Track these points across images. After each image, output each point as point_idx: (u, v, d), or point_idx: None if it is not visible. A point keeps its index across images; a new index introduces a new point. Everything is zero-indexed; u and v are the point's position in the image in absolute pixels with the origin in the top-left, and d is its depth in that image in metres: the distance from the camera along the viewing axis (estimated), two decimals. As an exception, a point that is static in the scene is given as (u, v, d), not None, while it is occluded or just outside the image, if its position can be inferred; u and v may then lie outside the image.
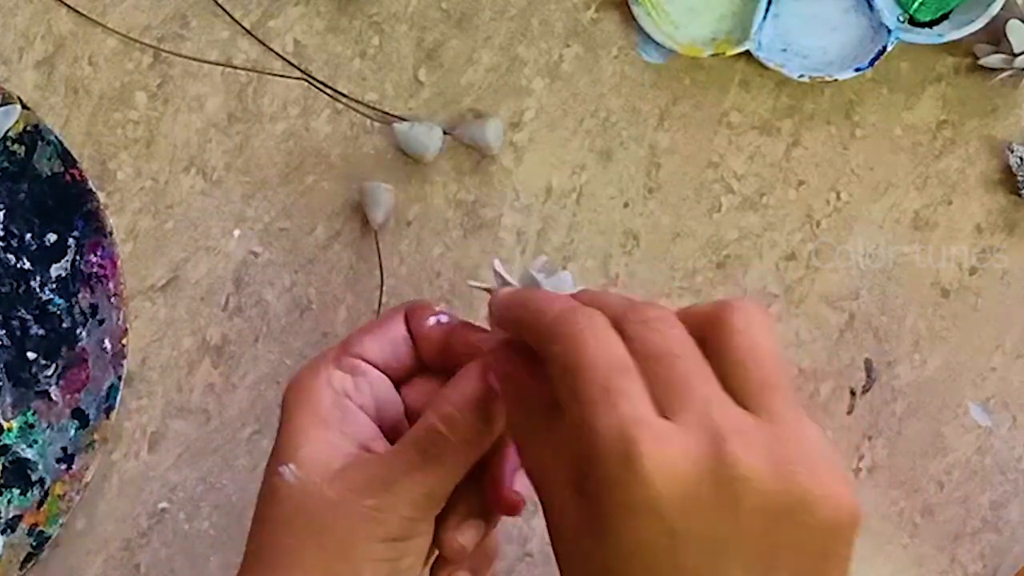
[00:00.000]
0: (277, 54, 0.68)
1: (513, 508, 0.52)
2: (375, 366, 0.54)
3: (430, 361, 0.55)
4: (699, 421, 0.41)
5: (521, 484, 0.52)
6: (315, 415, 0.51)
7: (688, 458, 0.40)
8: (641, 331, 0.44)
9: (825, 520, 0.41)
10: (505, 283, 0.51)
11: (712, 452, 0.40)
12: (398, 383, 0.55)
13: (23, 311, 0.65)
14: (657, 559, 0.40)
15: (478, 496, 0.53)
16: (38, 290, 0.65)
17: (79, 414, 0.65)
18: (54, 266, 0.65)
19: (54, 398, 0.65)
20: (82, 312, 0.65)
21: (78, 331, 0.65)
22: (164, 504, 0.66)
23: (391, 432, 0.53)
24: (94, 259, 0.65)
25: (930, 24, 0.67)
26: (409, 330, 0.55)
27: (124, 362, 0.65)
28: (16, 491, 0.64)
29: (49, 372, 0.65)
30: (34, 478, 0.64)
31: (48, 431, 0.65)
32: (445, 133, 0.67)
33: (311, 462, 0.50)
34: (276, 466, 0.51)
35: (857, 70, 0.66)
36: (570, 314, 0.45)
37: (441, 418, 0.50)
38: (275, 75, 0.68)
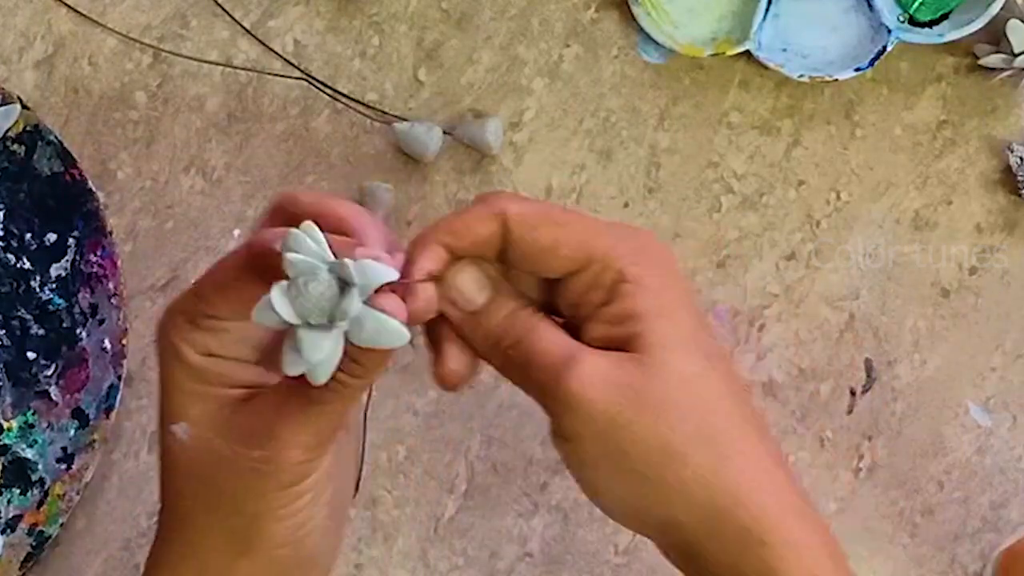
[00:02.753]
0: (277, 54, 0.68)
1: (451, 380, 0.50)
2: (230, 320, 0.50)
3: None
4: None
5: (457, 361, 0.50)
6: (189, 371, 0.49)
7: None
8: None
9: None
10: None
11: None
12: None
13: (23, 311, 0.65)
14: None
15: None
16: (38, 290, 0.65)
17: (79, 414, 0.65)
18: (54, 266, 0.65)
19: (54, 398, 0.65)
20: (82, 312, 0.65)
21: (78, 331, 0.65)
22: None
23: (275, 356, 0.50)
24: (94, 259, 0.65)
25: (930, 24, 0.67)
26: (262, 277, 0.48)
27: (124, 362, 0.65)
28: (16, 491, 0.64)
29: (49, 372, 0.65)
30: (34, 478, 0.64)
31: (48, 431, 0.65)
32: (445, 133, 0.67)
33: (201, 418, 0.49)
34: (165, 424, 0.49)
35: (857, 70, 0.66)
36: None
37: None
38: (275, 75, 0.68)
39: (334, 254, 0.44)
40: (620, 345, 0.47)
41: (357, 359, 0.47)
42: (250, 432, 0.48)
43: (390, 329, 0.44)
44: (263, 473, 0.48)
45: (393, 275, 0.44)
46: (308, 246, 0.44)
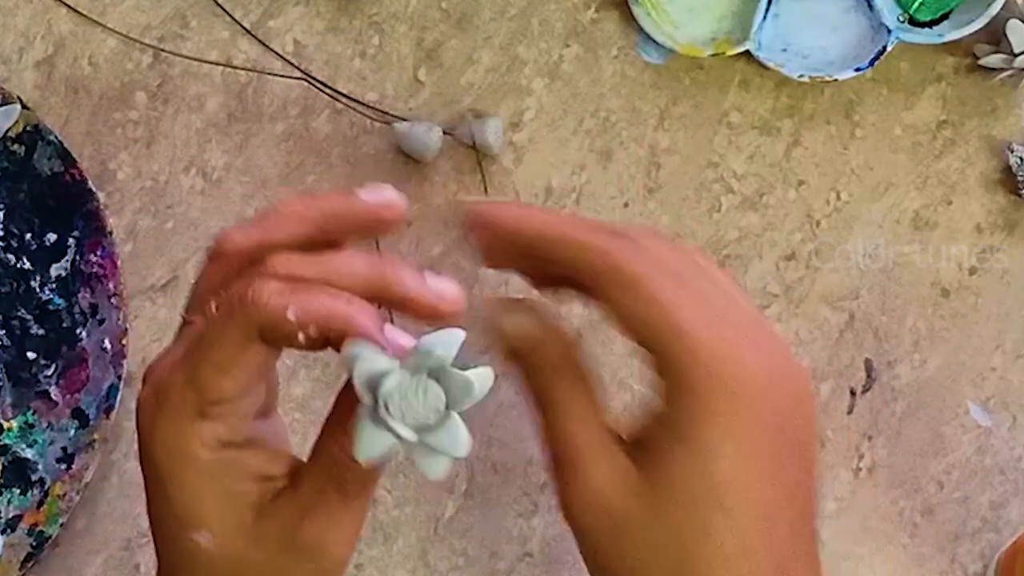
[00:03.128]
0: (277, 54, 0.68)
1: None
2: (238, 400, 0.45)
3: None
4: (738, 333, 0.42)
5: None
6: (200, 475, 0.44)
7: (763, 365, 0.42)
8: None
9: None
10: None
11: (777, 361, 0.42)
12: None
13: (23, 311, 0.65)
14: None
15: None
16: (38, 290, 0.65)
17: (79, 414, 0.65)
18: (54, 266, 0.65)
19: (54, 398, 0.65)
20: (82, 312, 0.65)
21: (78, 331, 0.65)
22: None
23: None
24: (94, 259, 0.65)
25: (930, 24, 0.67)
26: (270, 342, 0.44)
27: (124, 362, 0.65)
28: (16, 491, 0.64)
29: (49, 372, 0.65)
30: (34, 478, 0.64)
31: (48, 431, 0.65)
32: (445, 133, 0.67)
33: (222, 524, 0.44)
34: (181, 532, 0.44)
35: (857, 70, 0.66)
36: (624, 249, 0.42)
37: (347, 450, 0.43)
38: (275, 75, 0.68)
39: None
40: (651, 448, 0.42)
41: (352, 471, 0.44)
42: (292, 541, 0.44)
43: (462, 442, 0.41)
44: (309, 571, 0.44)
45: (460, 336, 0.41)
46: (372, 358, 0.41)
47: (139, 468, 0.67)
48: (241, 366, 0.43)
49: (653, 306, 0.42)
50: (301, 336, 0.42)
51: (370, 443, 0.41)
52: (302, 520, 0.44)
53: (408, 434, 0.41)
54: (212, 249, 0.44)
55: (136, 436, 0.45)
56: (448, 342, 0.41)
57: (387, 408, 0.41)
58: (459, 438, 0.41)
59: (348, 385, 0.43)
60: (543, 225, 0.44)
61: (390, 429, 0.41)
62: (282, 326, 0.42)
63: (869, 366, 0.67)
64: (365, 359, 0.41)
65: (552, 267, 0.45)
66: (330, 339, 0.42)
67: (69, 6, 0.68)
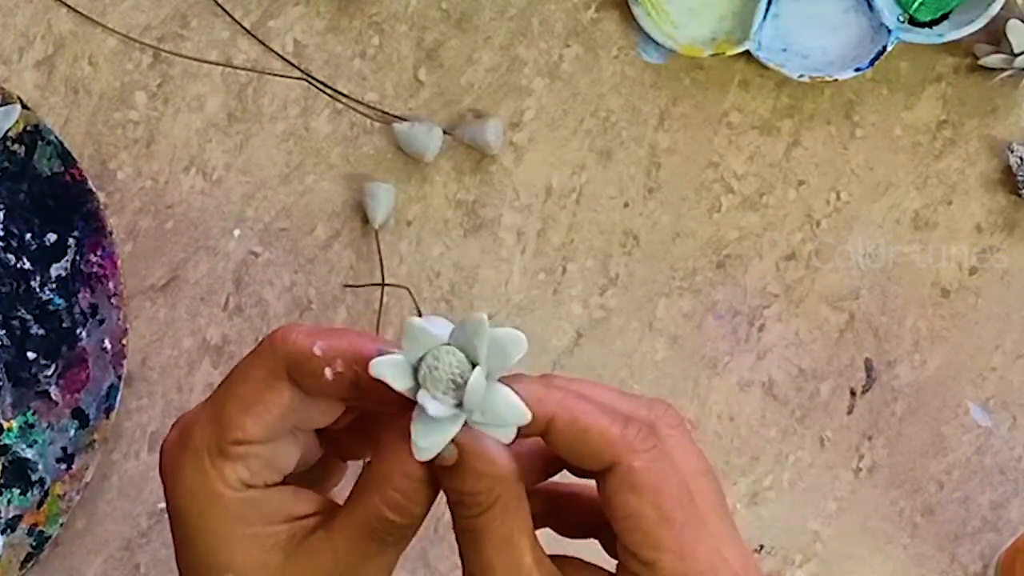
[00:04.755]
0: (277, 54, 0.68)
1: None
2: (261, 443, 0.44)
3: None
4: (736, 556, 0.44)
5: None
6: (225, 516, 0.43)
7: None
8: (679, 444, 0.45)
9: None
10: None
11: None
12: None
13: (23, 311, 0.65)
14: None
15: None
16: (38, 290, 0.65)
17: (79, 414, 0.65)
18: (54, 266, 0.65)
19: (54, 398, 0.65)
20: (82, 312, 0.65)
21: (78, 331, 0.65)
22: (164, 504, 0.66)
23: (311, 453, 0.47)
24: (94, 259, 0.65)
25: (930, 24, 0.67)
26: (297, 382, 0.43)
27: (124, 362, 0.65)
28: (16, 491, 0.64)
29: (49, 372, 0.65)
30: (34, 478, 0.64)
31: (48, 431, 0.65)
32: (445, 133, 0.67)
33: (249, 567, 0.43)
34: (205, 574, 0.44)
35: (857, 70, 0.66)
36: (653, 454, 0.43)
37: (390, 507, 0.43)
38: (275, 75, 0.68)
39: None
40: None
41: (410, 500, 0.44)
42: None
43: (514, 407, 0.42)
44: None
45: (524, 347, 0.42)
46: (427, 328, 0.41)
47: (139, 468, 0.67)
48: (265, 405, 0.43)
49: (649, 520, 0.43)
50: (328, 373, 0.42)
51: (426, 439, 0.41)
52: (335, 566, 0.43)
53: (445, 407, 0.41)
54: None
55: (162, 480, 0.45)
56: (509, 347, 0.42)
57: (428, 388, 0.41)
58: (510, 404, 0.41)
59: (388, 430, 0.43)
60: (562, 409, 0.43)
61: (437, 405, 0.41)
62: (308, 361, 0.42)
63: (869, 366, 0.67)
64: (393, 362, 0.41)
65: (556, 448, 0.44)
66: (359, 381, 0.42)
67: (69, 6, 0.68)
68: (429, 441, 0.41)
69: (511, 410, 0.42)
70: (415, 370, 0.41)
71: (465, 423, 0.42)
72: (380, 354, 0.42)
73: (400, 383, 0.41)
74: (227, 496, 0.43)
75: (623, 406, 0.44)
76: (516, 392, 0.42)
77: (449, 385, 0.41)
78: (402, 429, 0.42)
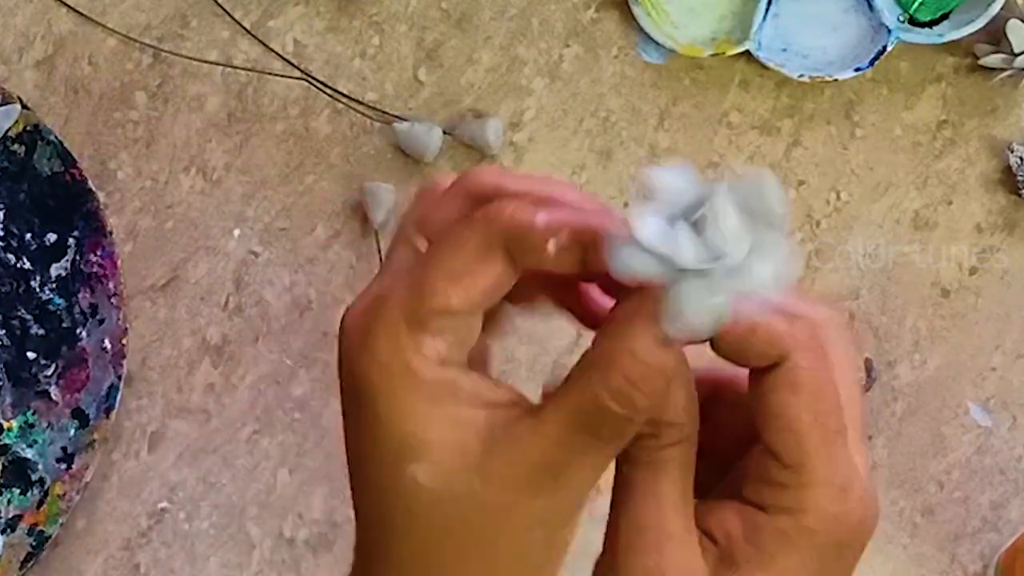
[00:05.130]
0: (277, 54, 0.68)
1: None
2: (466, 315, 0.39)
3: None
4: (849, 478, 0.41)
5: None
6: (420, 392, 0.38)
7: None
8: (843, 353, 0.41)
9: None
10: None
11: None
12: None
13: (23, 311, 0.65)
14: None
15: None
16: (38, 290, 0.65)
17: (79, 414, 0.65)
18: (54, 266, 0.65)
19: (54, 398, 0.65)
20: (82, 312, 0.65)
21: (78, 331, 0.65)
22: (164, 504, 0.66)
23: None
24: (94, 259, 0.65)
25: (930, 24, 0.67)
26: (514, 255, 0.38)
27: (124, 362, 0.65)
28: (16, 491, 0.64)
29: (49, 372, 0.65)
30: (34, 478, 0.64)
31: (48, 431, 0.65)
32: (445, 133, 0.67)
33: (446, 453, 0.38)
34: (396, 466, 0.38)
35: (857, 70, 0.66)
36: (821, 356, 0.39)
37: (611, 393, 0.37)
38: (275, 75, 0.68)
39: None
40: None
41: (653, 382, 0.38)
42: (526, 476, 0.38)
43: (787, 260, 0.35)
44: (549, 523, 0.39)
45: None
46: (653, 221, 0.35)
47: (139, 468, 0.67)
48: (476, 277, 0.38)
49: (803, 423, 0.39)
50: (552, 246, 0.37)
51: (693, 305, 0.35)
52: (540, 459, 0.38)
53: (740, 251, 0.34)
54: (426, 187, 0.40)
55: (340, 359, 0.39)
56: (768, 195, 0.35)
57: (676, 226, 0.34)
58: (785, 250, 0.35)
59: (622, 301, 0.37)
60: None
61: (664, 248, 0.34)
62: (530, 235, 0.37)
63: (869, 366, 0.67)
64: (648, 223, 0.34)
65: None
66: (586, 256, 0.37)
67: (69, 6, 0.68)
68: (696, 305, 0.35)
69: (789, 257, 0.35)
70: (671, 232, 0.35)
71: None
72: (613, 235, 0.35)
73: (649, 268, 0.35)
74: (426, 373, 0.38)
75: (788, 304, 0.39)
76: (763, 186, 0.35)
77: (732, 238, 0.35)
78: (640, 300, 0.37)
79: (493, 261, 0.38)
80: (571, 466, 0.38)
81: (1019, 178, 0.67)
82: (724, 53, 0.66)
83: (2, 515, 0.64)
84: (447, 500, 0.38)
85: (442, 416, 0.38)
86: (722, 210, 0.34)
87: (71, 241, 0.65)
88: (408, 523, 0.39)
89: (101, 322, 0.65)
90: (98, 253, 0.65)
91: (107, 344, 0.65)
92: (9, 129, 0.65)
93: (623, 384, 0.37)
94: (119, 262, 0.65)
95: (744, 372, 0.41)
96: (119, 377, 0.65)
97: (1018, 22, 0.66)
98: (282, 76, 0.68)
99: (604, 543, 0.40)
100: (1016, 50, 0.66)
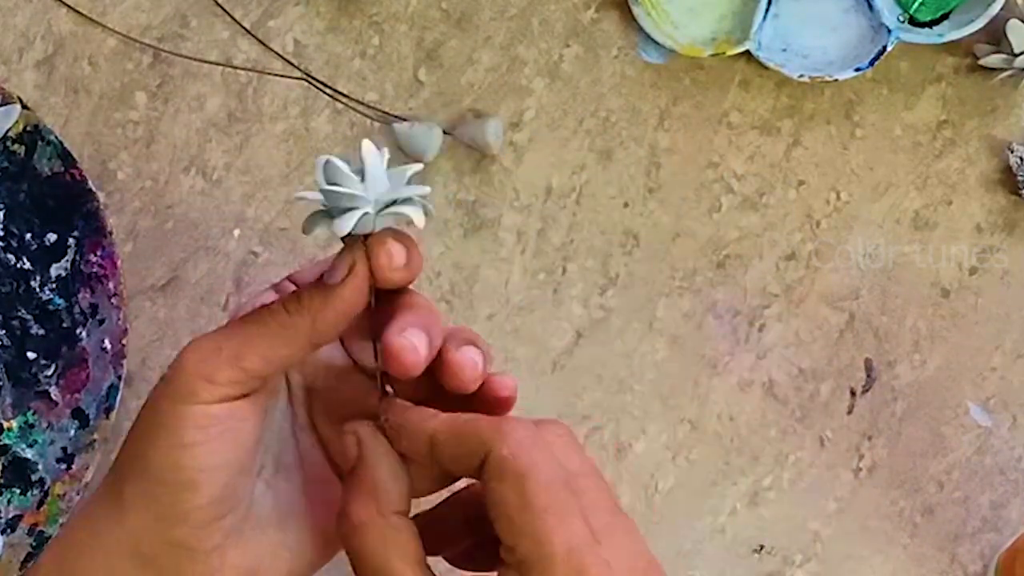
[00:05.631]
0: (277, 54, 0.68)
1: (402, 357, 0.49)
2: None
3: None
4: (619, 549, 0.46)
5: (415, 336, 0.50)
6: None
7: None
8: (563, 447, 0.48)
9: None
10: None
11: None
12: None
13: (23, 311, 0.65)
14: None
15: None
16: (38, 290, 0.65)
17: (79, 414, 0.65)
18: (54, 266, 0.65)
19: (54, 398, 0.65)
20: (82, 312, 0.65)
21: (78, 331, 0.65)
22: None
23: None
24: (94, 259, 0.65)
25: (930, 24, 0.67)
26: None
27: (124, 362, 0.65)
28: (16, 491, 0.64)
29: (49, 372, 0.65)
30: (34, 478, 0.64)
31: (48, 431, 0.65)
32: (445, 133, 0.67)
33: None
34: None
35: (857, 70, 0.66)
36: (523, 442, 0.46)
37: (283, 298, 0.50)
38: (275, 75, 0.68)
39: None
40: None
41: (301, 295, 0.49)
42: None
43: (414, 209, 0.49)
44: (163, 379, 0.49)
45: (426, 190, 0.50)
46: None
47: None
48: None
49: (512, 506, 0.46)
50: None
51: (347, 217, 0.48)
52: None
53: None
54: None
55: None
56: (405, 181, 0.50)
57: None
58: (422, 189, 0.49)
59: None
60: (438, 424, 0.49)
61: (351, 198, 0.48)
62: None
63: (869, 366, 0.67)
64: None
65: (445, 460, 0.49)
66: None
67: (69, 6, 0.68)
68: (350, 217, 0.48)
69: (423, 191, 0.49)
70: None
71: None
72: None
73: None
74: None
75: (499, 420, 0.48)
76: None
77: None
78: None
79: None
80: (202, 337, 0.50)
81: (1019, 178, 0.67)
82: (724, 53, 0.66)
83: (2, 515, 0.64)
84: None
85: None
86: (369, 171, 0.49)
87: (71, 241, 0.65)
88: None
89: (101, 322, 0.65)
90: (98, 253, 0.65)
91: (107, 344, 0.65)
92: (9, 129, 0.65)
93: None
94: (119, 262, 0.65)
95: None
96: (119, 377, 0.65)
97: (1018, 22, 0.66)
98: (282, 76, 0.68)
99: None
100: (1016, 50, 0.66)
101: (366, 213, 0.48)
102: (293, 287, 0.53)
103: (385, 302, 0.50)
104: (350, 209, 0.48)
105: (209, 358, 0.49)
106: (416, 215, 0.49)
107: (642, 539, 0.47)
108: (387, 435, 0.50)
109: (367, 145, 0.49)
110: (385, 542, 0.48)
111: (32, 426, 0.65)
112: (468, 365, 0.49)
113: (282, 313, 0.49)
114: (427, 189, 0.49)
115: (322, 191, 0.49)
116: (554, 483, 0.46)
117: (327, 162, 0.48)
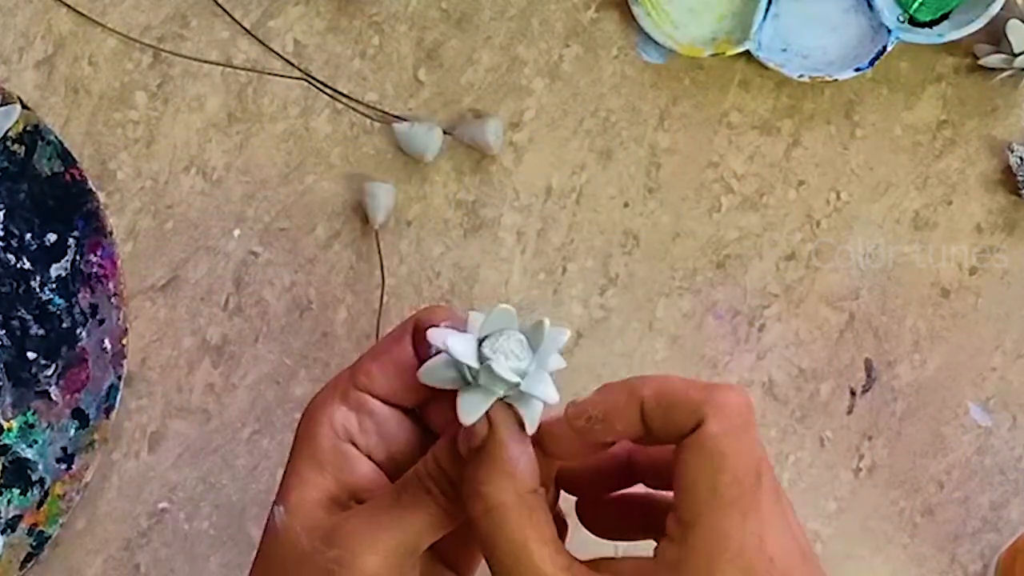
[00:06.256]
0: (277, 54, 0.68)
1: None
2: (384, 399, 0.51)
3: None
4: (780, 539, 0.47)
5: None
6: (313, 457, 0.50)
7: None
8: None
9: None
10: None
11: None
12: (414, 409, 0.52)
13: (23, 311, 0.65)
14: None
15: None
16: (38, 290, 0.65)
17: (79, 414, 0.65)
18: (54, 266, 0.65)
19: (54, 398, 0.65)
20: (82, 312, 0.65)
21: (78, 331, 0.65)
22: (164, 504, 0.66)
23: (401, 472, 0.51)
24: (94, 259, 0.65)
25: (930, 24, 0.67)
26: (418, 352, 0.51)
27: (124, 362, 0.65)
28: (16, 491, 0.64)
29: (49, 372, 0.65)
30: (34, 478, 0.64)
31: (48, 431, 0.65)
32: (445, 133, 0.67)
33: (298, 507, 0.49)
34: (275, 504, 0.50)
35: (857, 70, 0.66)
36: (734, 421, 0.47)
37: (422, 464, 0.48)
38: (275, 75, 0.68)
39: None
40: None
41: (453, 475, 0.48)
42: (332, 530, 0.48)
43: (550, 384, 0.47)
44: (333, 574, 0.47)
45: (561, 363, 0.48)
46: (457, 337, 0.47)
47: (139, 468, 0.67)
48: (391, 357, 0.51)
49: (703, 488, 0.46)
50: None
51: (467, 407, 0.47)
52: (348, 515, 0.48)
53: (510, 376, 0.46)
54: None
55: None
56: (555, 337, 0.48)
57: (489, 362, 0.46)
58: (549, 386, 0.47)
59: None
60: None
61: (496, 378, 0.46)
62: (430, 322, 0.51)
63: (869, 366, 0.67)
64: (453, 339, 0.47)
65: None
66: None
67: (69, 6, 0.68)
68: (469, 407, 0.47)
69: (548, 391, 0.47)
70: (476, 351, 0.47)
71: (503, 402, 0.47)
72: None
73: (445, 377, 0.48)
74: (325, 440, 0.50)
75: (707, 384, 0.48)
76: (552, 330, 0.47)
77: (510, 364, 0.47)
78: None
79: (404, 345, 0.50)
80: (365, 529, 0.47)
81: (1019, 178, 0.67)
82: (724, 53, 0.66)
83: (2, 515, 0.64)
84: (283, 538, 0.48)
85: (315, 483, 0.49)
86: (504, 345, 0.47)
87: (71, 241, 0.65)
88: (261, 547, 0.50)
89: (101, 322, 0.65)
90: (98, 253, 0.65)
91: (107, 344, 0.65)
92: (9, 129, 0.65)
93: (431, 462, 0.49)
94: (119, 262, 0.65)
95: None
96: (119, 377, 0.65)
97: (1018, 22, 0.66)
98: (282, 76, 0.68)
99: None
100: (1016, 50, 0.66)
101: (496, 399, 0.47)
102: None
103: None
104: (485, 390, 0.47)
105: (390, 555, 0.47)
106: (532, 421, 0.48)
107: (799, 525, 0.47)
108: (583, 425, 0.48)
109: (548, 324, 0.47)
110: (522, 523, 0.47)
111: (32, 426, 0.65)
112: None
113: (444, 500, 0.48)
114: (563, 363, 0.48)
115: (483, 366, 0.47)
116: (749, 474, 0.45)
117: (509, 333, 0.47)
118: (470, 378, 0.47)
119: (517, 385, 0.47)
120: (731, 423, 0.45)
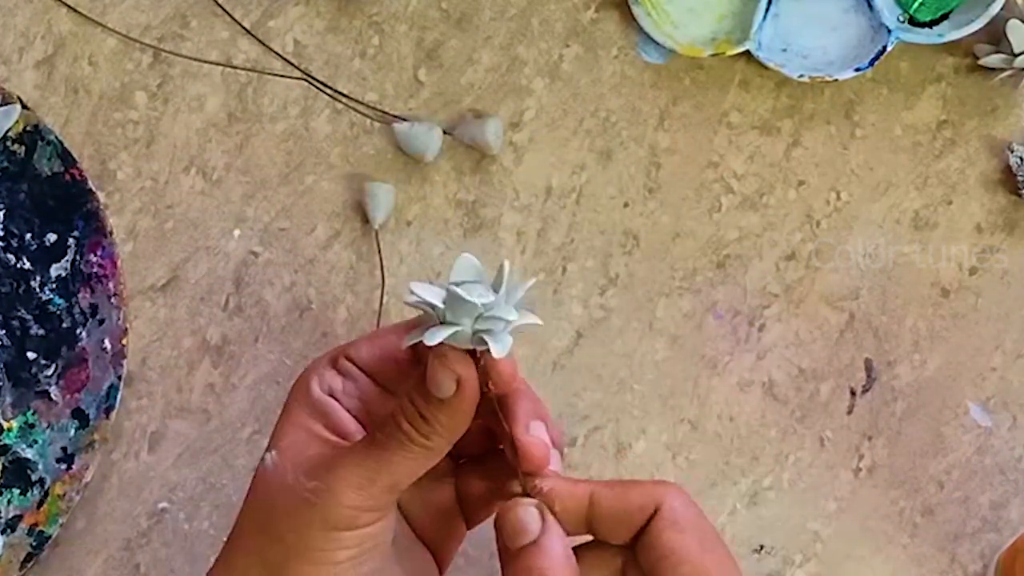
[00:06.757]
0: (277, 54, 0.68)
1: (537, 454, 0.51)
2: (366, 371, 0.55)
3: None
4: None
5: (539, 431, 0.52)
6: (302, 409, 0.53)
7: None
8: None
9: None
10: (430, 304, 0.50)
11: None
12: (390, 388, 0.56)
13: (23, 311, 0.65)
14: None
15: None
16: (38, 290, 0.65)
17: (79, 414, 0.65)
18: (54, 266, 0.65)
19: (54, 398, 0.65)
20: (82, 312, 0.65)
21: (78, 331, 0.65)
22: (164, 504, 0.66)
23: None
24: (94, 259, 0.65)
25: (930, 24, 0.67)
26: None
27: (124, 362, 0.65)
28: (16, 491, 0.64)
29: (49, 372, 0.65)
30: (34, 478, 0.64)
31: (48, 431, 0.65)
32: (445, 133, 0.67)
33: (289, 450, 0.52)
34: (267, 450, 0.53)
35: (857, 70, 0.66)
36: (686, 497, 0.51)
37: (397, 407, 0.51)
38: (275, 75, 0.68)
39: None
40: None
41: (426, 414, 0.50)
42: (313, 465, 0.50)
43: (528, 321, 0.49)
44: (311, 504, 0.49)
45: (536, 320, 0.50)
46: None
47: (139, 468, 0.67)
48: (381, 340, 0.55)
49: (694, 551, 0.50)
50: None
51: (437, 332, 0.48)
52: (331, 452, 0.52)
53: (472, 298, 0.48)
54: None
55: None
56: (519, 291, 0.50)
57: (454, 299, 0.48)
58: (512, 312, 0.49)
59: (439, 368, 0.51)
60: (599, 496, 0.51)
61: (460, 304, 0.48)
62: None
63: (869, 366, 0.67)
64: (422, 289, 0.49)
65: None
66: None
67: (69, 6, 0.68)
68: (437, 333, 0.48)
69: (510, 313, 0.49)
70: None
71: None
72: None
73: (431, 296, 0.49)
74: (314, 392, 0.54)
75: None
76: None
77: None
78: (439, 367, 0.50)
79: (395, 332, 0.55)
80: (342, 462, 0.50)
81: (1019, 178, 0.67)
82: (724, 53, 0.66)
83: (2, 515, 0.64)
84: (270, 477, 0.51)
85: (304, 427, 0.52)
86: (471, 288, 0.49)
87: (71, 241, 0.65)
88: (250, 495, 0.52)
89: (101, 322, 0.65)
90: (98, 253, 0.65)
91: (107, 344, 0.65)
92: (9, 129, 0.65)
93: (406, 402, 0.51)
94: (119, 262, 0.65)
95: None
96: (119, 377, 0.65)
97: (1018, 22, 0.66)
98: (282, 76, 0.68)
99: None
100: (1016, 50, 0.66)
101: (460, 330, 0.49)
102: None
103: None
104: (450, 323, 0.49)
105: (365, 488, 0.50)
106: (501, 347, 0.48)
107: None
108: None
109: (509, 264, 0.50)
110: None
111: (32, 426, 0.65)
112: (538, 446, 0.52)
113: (417, 435, 0.50)
114: (538, 321, 0.50)
115: (449, 292, 0.49)
116: (712, 530, 0.51)
117: (465, 259, 0.50)
118: (439, 320, 0.49)
119: (481, 315, 0.48)
120: (686, 499, 0.51)
